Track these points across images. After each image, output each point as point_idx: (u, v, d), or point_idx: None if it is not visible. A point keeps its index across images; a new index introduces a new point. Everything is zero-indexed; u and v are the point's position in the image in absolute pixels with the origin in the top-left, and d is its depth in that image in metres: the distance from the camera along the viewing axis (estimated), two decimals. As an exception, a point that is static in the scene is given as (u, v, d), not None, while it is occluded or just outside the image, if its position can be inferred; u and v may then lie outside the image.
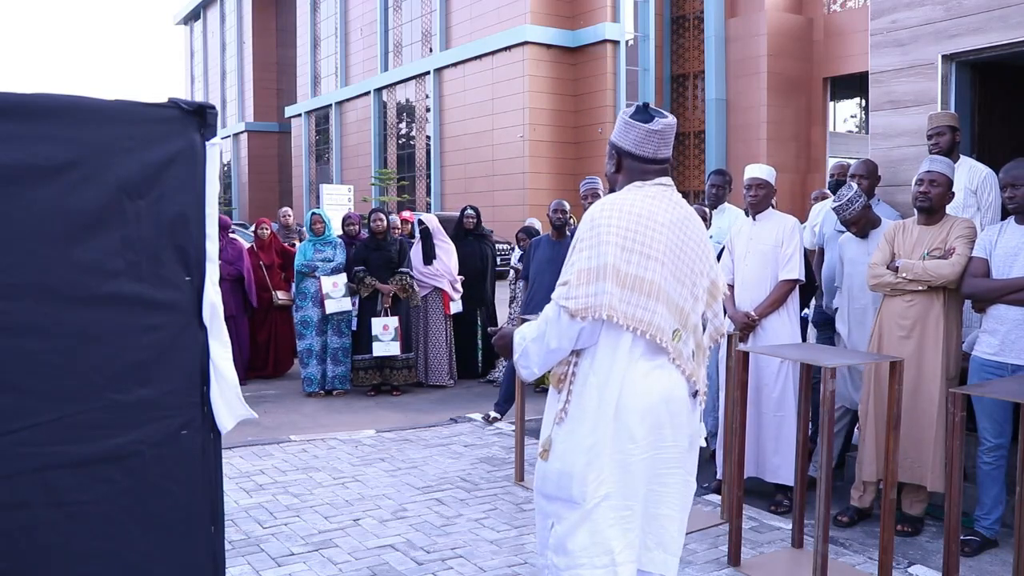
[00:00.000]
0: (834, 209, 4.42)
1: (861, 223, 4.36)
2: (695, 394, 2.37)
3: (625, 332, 2.22)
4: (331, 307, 7.29)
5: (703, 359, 2.41)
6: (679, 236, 2.31)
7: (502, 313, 8.65)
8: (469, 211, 8.54)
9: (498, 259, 8.49)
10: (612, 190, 2.45)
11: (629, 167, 2.39)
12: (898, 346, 3.96)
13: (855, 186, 4.39)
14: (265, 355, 8.36)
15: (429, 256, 7.80)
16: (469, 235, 8.27)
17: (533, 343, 2.33)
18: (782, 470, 4.38)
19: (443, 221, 8.42)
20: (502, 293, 8.75)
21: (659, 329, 2.24)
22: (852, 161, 5.44)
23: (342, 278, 7.35)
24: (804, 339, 4.93)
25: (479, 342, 8.33)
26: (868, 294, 4.38)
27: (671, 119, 2.38)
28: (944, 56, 4.71)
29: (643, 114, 2.39)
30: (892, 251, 4.05)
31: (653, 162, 2.37)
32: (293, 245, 8.89)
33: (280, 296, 8.25)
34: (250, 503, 4.40)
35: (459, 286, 7.91)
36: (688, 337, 2.33)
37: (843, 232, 4.54)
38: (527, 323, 2.40)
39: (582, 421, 2.26)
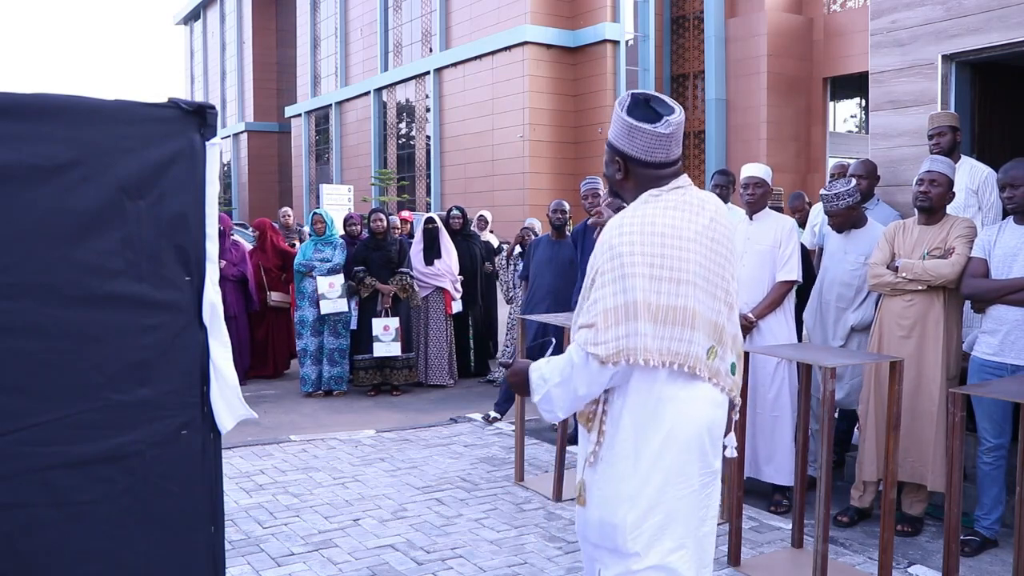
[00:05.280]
0: (821, 195, 4.46)
1: (840, 219, 4.39)
2: (732, 406, 2.20)
3: (654, 368, 2.03)
4: (326, 308, 7.27)
5: (741, 366, 2.22)
6: (708, 246, 2.09)
7: (502, 313, 8.65)
8: (455, 211, 8.56)
9: (496, 259, 8.49)
10: (615, 194, 2.26)
11: (640, 175, 2.14)
12: (898, 346, 3.96)
13: (853, 182, 4.41)
14: (264, 355, 8.37)
15: (432, 255, 7.81)
16: (457, 235, 8.27)
17: (557, 388, 2.09)
18: (775, 470, 4.39)
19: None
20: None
21: (695, 358, 2.04)
22: (852, 161, 5.45)
23: (339, 279, 7.33)
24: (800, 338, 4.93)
25: (471, 342, 8.35)
26: (833, 292, 4.46)
27: (678, 114, 2.12)
28: (944, 56, 4.71)
29: (644, 110, 2.12)
30: (892, 251, 4.06)
31: (666, 165, 2.13)
32: (293, 245, 8.89)
33: (274, 297, 8.25)
34: (250, 503, 4.40)
35: (459, 285, 7.92)
36: (725, 351, 2.12)
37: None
38: (544, 361, 2.18)
39: (619, 465, 2.06)
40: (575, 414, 2.19)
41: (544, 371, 2.14)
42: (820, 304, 4.57)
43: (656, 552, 2.05)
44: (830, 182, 4.59)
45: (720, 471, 2.21)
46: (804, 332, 4.88)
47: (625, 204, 4.30)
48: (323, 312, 7.29)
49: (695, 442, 2.08)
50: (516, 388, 2.25)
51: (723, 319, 2.12)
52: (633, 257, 2.00)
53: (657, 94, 2.17)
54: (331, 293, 7.30)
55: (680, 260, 2.03)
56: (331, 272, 7.38)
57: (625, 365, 2.00)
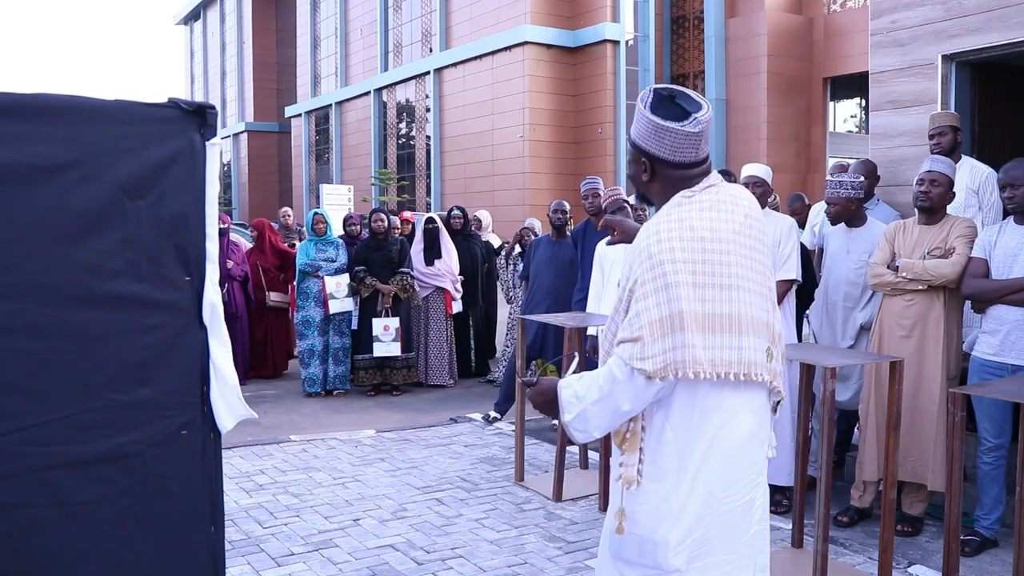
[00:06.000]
0: (826, 180, 4.48)
1: (838, 208, 4.38)
2: (776, 405, 2.13)
3: (699, 379, 1.93)
4: (335, 307, 7.33)
5: (785, 363, 2.14)
6: (747, 244, 2.01)
7: (502, 313, 8.65)
8: (456, 211, 8.54)
9: (497, 259, 8.48)
10: (642, 197, 2.17)
11: (668, 176, 2.04)
12: (898, 346, 3.96)
13: (862, 179, 4.42)
14: (263, 355, 8.37)
15: (432, 255, 7.81)
16: (457, 235, 8.27)
17: (595, 406, 1.97)
18: (773, 470, 4.38)
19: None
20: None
21: (750, 364, 1.95)
22: (852, 161, 5.46)
23: (345, 278, 7.38)
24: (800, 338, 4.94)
25: (471, 342, 8.35)
26: (840, 291, 4.45)
27: (706, 111, 2.01)
28: (944, 56, 4.71)
29: (669, 107, 2.01)
30: (892, 251, 4.06)
31: (695, 165, 2.03)
32: (293, 245, 8.89)
33: (273, 297, 8.25)
34: (250, 503, 4.39)
35: (459, 286, 7.92)
36: (777, 352, 2.04)
37: (832, 228, 4.58)
38: (575, 377, 2.07)
39: (661, 482, 1.97)
40: (613, 441, 2.09)
41: (578, 388, 2.01)
42: (826, 305, 4.55)
43: (698, 568, 1.98)
44: (836, 172, 4.60)
45: (764, 477, 2.11)
46: (808, 333, 4.88)
47: (628, 204, 4.37)
48: (332, 312, 7.33)
49: (740, 451, 1.99)
50: (542, 408, 2.11)
51: (771, 316, 2.03)
52: (675, 265, 1.90)
53: (682, 89, 2.05)
54: (339, 293, 7.35)
55: (723, 264, 1.94)
56: (337, 272, 7.41)
57: (673, 379, 1.90)
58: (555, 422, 5.82)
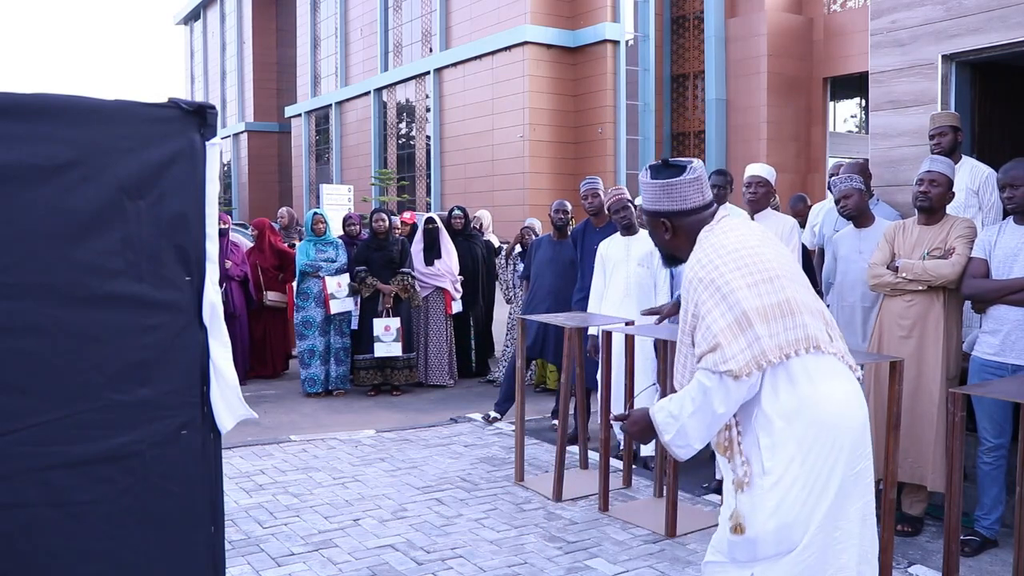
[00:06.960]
0: (833, 179, 4.48)
1: (852, 202, 4.36)
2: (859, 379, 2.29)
3: (783, 364, 2.12)
4: (335, 307, 7.34)
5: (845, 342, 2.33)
6: (776, 249, 2.27)
7: (501, 313, 8.65)
8: (457, 211, 8.53)
9: (498, 259, 8.47)
10: (671, 258, 2.40)
11: (687, 225, 2.32)
12: (898, 346, 3.96)
13: (860, 179, 4.42)
14: (262, 355, 8.36)
15: (432, 256, 7.81)
16: (458, 236, 8.26)
17: (692, 419, 2.14)
18: None
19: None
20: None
21: (815, 338, 2.15)
22: (851, 161, 5.46)
23: (345, 278, 7.39)
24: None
25: (471, 342, 8.35)
26: (857, 292, 4.42)
27: (697, 162, 2.34)
28: (944, 56, 4.71)
29: (666, 171, 2.32)
30: (892, 251, 4.06)
31: (705, 208, 2.32)
32: (292, 245, 8.89)
33: (270, 296, 8.24)
34: (250, 503, 4.40)
35: (459, 286, 7.92)
36: (836, 334, 2.24)
37: (839, 232, 4.58)
38: (666, 400, 2.24)
39: (777, 475, 2.12)
40: (716, 451, 2.24)
41: (671, 408, 2.20)
42: (841, 308, 4.50)
43: (820, 537, 2.12)
44: (835, 168, 4.61)
45: (870, 461, 2.26)
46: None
47: (631, 204, 4.54)
48: (332, 312, 7.34)
49: (851, 431, 2.14)
50: (638, 436, 2.30)
51: (820, 306, 2.24)
52: (724, 277, 2.14)
53: (668, 159, 2.37)
54: (339, 293, 7.36)
55: (761, 262, 2.18)
56: (338, 272, 7.42)
57: (757, 372, 2.09)
58: (555, 422, 5.82)
